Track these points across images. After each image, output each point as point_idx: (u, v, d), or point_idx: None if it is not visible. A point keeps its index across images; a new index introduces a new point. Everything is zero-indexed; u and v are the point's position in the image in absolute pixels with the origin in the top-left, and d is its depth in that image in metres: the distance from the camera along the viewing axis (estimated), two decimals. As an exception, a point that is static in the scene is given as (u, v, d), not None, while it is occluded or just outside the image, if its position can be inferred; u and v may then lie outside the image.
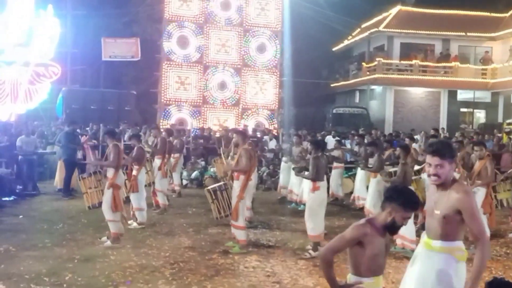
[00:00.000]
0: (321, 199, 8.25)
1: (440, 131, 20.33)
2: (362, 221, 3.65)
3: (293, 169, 10.41)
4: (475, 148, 8.79)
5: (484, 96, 30.22)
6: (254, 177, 9.54)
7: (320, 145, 8.74)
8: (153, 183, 11.13)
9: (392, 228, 3.59)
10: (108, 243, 8.11)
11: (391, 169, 10.62)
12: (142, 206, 9.67)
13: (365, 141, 14.80)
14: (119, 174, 8.28)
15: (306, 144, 12.01)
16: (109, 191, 8.19)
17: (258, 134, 21.07)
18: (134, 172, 9.60)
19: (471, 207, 3.78)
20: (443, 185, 3.85)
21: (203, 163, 16.85)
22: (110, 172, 8.24)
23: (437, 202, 3.86)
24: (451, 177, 3.88)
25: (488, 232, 8.02)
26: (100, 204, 8.52)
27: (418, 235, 6.24)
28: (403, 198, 3.57)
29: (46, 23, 20.62)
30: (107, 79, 31.40)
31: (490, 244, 4.03)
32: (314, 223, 8.09)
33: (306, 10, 28.83)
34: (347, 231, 3.60)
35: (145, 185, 10.46)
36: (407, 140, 12.68)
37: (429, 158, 3.87)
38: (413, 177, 9.99)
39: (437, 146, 3.91)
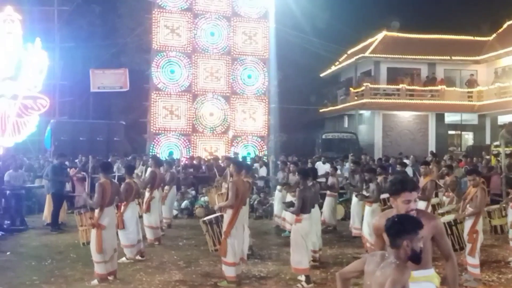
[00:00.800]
0: (305, 232, 8.12)
1: (430, 155, 20.41)
2: (397, 265, 3.43)
3: (283, 203, 10.34)
4: (468, 177, 8.78)
5: (471, 118, 30.54)
6: (246, 208, 9.35)
7: (308, 175, 8.67)
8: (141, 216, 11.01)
9: (416, 258, 3.47)
10: (95, 281, 7.94)
11: (382, 196, 10.61)
12: (128, 242, 9.40)
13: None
14: (104, 213, 8.08)
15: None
16: (94, 231, 8.05)
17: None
18: (122, 209, 9.43)
19: (442, 229, 4.14)
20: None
21: (193, 192, 16.77)
22: (96, 212, 8.13)
23: None
24: None
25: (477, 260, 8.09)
26: None
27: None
28: (411, 225, 3.50)
29: (34, 56, 20.71)
30: (96, 110, 31.37)
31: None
32: (299, 256, 7.97)
33: (293, 37, 29.21)
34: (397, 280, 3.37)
35: (140, 216, 10.37)
36: (399, 167, 12.62)
37: (408, 195, 3.94)
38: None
39: (409, 181, 4.11)
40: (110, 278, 8.04)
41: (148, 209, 11.09)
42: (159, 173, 11.90)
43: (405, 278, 3.40)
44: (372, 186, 10.50)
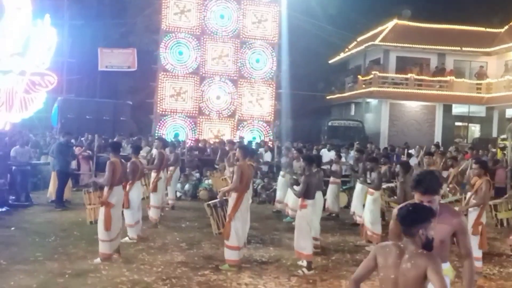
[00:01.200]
0: (309, 218, 8.18)
1: (433, 146, 20.32)
2: (429, 254, 3.42)
3: (290, 179, 10.34)
4: (473, 165, 8.75)
5: (479, 110, 30.37)
6: (249, 192, 9.38)
7: (313, 161, 8.69)
8: (147, 197, 11.07)
9: (429, 246, 3.46)
10: (98, 260, 8.01)
11: (386, 185, 10.60)
12: (133, 222, 9.48)
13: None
14: (113, 192, 8.14)
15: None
16: (102, 209, 8.09)
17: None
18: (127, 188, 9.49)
19: (465, 227, 4.06)
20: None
21: (197, 175, 16.82)
22: (105, 190, 8.18)
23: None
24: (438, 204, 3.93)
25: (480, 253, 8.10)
26: None
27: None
28: (425, 213, 3.49)
29: (43, 32, 20.69)
30: (103, 89, 31.38)
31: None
32: (304, 242, 8.03)
33: (303, 23, 28.96)
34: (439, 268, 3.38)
35: (142, 198, 10.43)
36: (404, 157, 12.54)
37: (419, 196, 3.84)
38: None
39: (426, 184, 3.86)
40: (115, 256, 8.12)
41: (155, 189, 11.15)
42: (165, 154, 11.95)
43: (441, 265, 3.43)
44: (373, 174, 10.51)
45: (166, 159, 11.83)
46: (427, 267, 3.34)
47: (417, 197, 3.87)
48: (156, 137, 15.91)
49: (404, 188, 8.49)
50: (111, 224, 8.00)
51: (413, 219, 3.45)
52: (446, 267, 3.99)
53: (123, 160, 8.69)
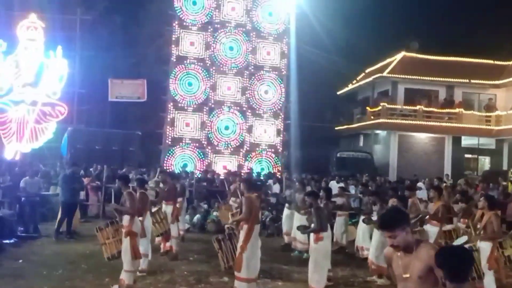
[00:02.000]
0: (326, 250, 8.14)
1: (445, 178, 20.21)
2: None
3: (298, 228, 10.26)
4: (481, 199, 8.71)
5: (488, 142, 30.24)
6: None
7: (318, 196, 8.70)
8: (169, 229, 10.99)
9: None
10: (116, 288, 7.93)
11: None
12: (145, 252, 9.38)
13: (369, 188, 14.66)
14: (135, 222, 8.14)
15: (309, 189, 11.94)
16: (127, 240, 8.00)
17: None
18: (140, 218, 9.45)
19: None
20: (407, 249, 3.97)
21: (205, 206, 16.72)
22: (125, 220, 8.10)
23: (406, 266, 3.97)
24: (412, 240, 3.99)
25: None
26: (119, 254, 8.28)
27: None
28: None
29: (55, 63, 21.03)
30: (113, 119, 31.61)
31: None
32: (319, 276, 7.95)
33: (312, 54, 29.25)
34: None
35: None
36: (406, 192, 12.38)
37: (384, 232, 4.07)
38: (416, 229, 9.89)
39: (382, 220, 4.14)
40: None
41: (177, 219, 11.32)
42: (175, 186, 12.01)
43: None
44: (375, 208, 10.48)
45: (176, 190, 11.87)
46: None
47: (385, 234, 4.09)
48: (163, 171, 15.83)
49: None
50: (139, 252, 7.99)
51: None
52: None
53: (142, 193, 8.70)
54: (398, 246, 3.94)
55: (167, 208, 11.31)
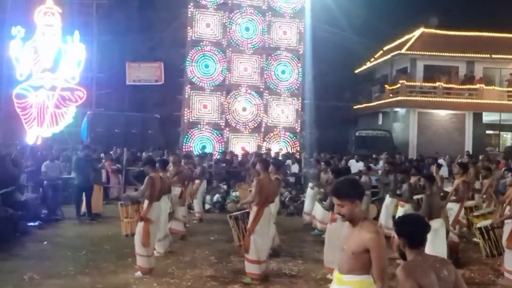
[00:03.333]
0: (340, 231, 8.05)
1: (465, 155, 19.98)
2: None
3: (318, 193, 10.27)
4: (506, 173, 8.56)
5: (510, 118, 29.73)
6: (274, 205, 9.32)
7: (341, 173, 8.58)
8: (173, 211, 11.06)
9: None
10: (139, 273, 8.03)
11: (416, 197, 10.43)
12: (162, 236, 9.45)
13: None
14: (153, 207, 8.16)
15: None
16: (141, 225, 8.09)
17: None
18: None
19: (378, 248, 3.86)
20: (352, 222, 4.01)
21: (225, 187, 16.84)
22: (145, 204, 8.18)
23: (347, 238, 4.05)
24: (359, 215, 4.00)
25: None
26: (133, 235, 8.40)
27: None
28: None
29: (73, 48, 21.17)
30: (131, 103, 31.80)
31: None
32: (332, 256, 7.90)
33: (328, 33, 28.95)
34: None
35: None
36: (432, 168, 12.32)
37: (334, 199, 4.07)
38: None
39: (335, 186, 4.15)
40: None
41: (183, 203, 11.38)
42: (189, 168, 12.07)
43: None
44: (404, 186, 10.38)
45: (189, 172, 11.93)
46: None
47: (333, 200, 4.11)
48: (181, 153, 15.87)
49: (429, 201, 8.29)
50: (150, 240, 8.01)
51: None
52: (365, 279, 3.93)
53: (161, 175, 8.71)
54: (344, 216, 4.01)
55: (174, 191, 11.30)
